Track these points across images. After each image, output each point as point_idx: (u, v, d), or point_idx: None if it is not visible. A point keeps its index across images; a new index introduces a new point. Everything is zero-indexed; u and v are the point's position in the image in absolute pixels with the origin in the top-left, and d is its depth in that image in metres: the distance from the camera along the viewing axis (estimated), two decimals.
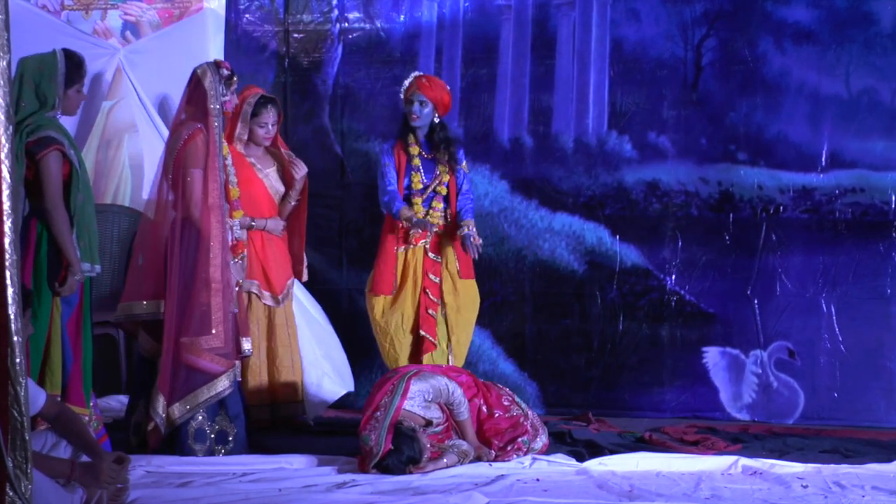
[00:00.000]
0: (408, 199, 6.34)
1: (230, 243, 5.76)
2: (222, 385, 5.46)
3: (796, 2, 6.93)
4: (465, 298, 6.39)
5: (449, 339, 6.36)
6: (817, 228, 6.88)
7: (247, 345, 5.77)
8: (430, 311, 6.33)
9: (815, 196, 6.88)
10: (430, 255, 6.34)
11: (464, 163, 6.46)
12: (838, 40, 6.87)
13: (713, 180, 7.01)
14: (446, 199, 6.37)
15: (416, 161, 6.36)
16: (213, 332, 5.43)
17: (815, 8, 6.90)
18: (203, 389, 5.43)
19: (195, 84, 5.63)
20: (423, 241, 6.31)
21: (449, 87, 6.50)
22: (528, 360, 7.13)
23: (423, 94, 6.29)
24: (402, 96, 6.38)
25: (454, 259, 6.35)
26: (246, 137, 6.33)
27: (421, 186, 6.34)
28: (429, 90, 6.30)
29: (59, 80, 5.15)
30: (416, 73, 6.41)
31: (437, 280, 6.33)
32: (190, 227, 5.50)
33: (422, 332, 6.31)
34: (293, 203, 6.44)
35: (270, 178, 6.39)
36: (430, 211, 6.32)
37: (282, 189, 6.41)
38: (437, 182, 6.35)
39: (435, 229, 6.29)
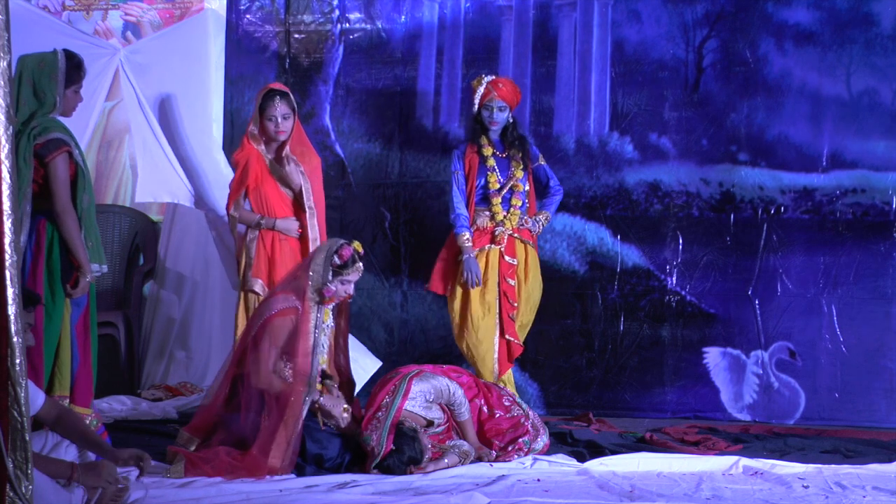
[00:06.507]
0: (486, 200, 6.31)
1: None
2: None
3: (797, 3, 6.93)
4: (529, 308, 6.41)
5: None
6: (818, 229, 6.88)
7: None
8: (511, 316, 6.31)
9: (816, 196, 6.88)
10: (507, 258, 6.31)
11: (540, 157, 6.46)
12: (839, 41, 6.88)
13: (714, 181, 7.01)
14: (527, 195, 6.36)
15: (491, 161, 6.31)
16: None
17: (816, 9, 6.90)
18: None
19: (310, 257, 5.40)
20: (500, 245, 6.30)
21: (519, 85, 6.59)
22: (528, 361, 7.12)
23: (501, 99, 6.28)
24: (475, 102, 6.32)
25: (524, 262, 6.35)
26: (257, 132, 6.13)
27: (498, 186, 6.29)
28: (506, 94, 6.29)
29: (59, 79, 5.13)
30: (488, 79, 6.33)
31: (514, 283, 6.31)
32: (253, 392, 5.25)
33: (507, 337, 6.31)
34: (308, 206, 6.16)
35: (283, 178, 6.16)
36: (511, 209, 6.30)
37: (295, 189, 6.17)
38: (513, 179, 6.32)
39: (507, 234, 6.30)
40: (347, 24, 7.49)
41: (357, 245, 5.33)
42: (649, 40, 7.11)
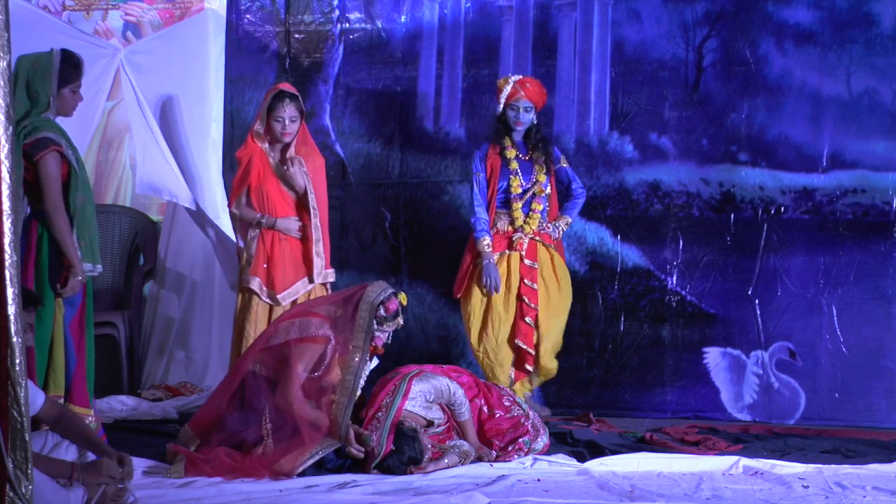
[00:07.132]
0: (507, 203, 6.28)
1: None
2: None
3: (797, 3, 6.93)
4: (557, 307, 6.37)
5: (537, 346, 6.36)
6: (818, 229, 6.88)
7: None
8: (526, 320, 6.28)
9: (817, 197, 6.88)
10: (527, 261, 6.27)
11: (563, 158, 6.44)
12: (839, 41, 6.87)
13: (714, 181, 7.01)
14: (548, 199, 6.31)
15: (514, 164, 6.27)
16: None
17: (816, 9, 6.90)
18: None
19: (357, 298, 5.29)
20: (519, 250, 6.25)
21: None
22: None
23: (529, 100, 6.24)
24: (501, 102, 6.30)
25: (550, 263, 6.32)
26: (262, 131, 6.13)
27: (520, 190, 6.26)
28: (534, 94, 6.26)
29: (52, 79, 5.11)
30: (515, 78, 6.32)
31: (535, 286, 6.27)
32: (257, 394, 5.24)
33: (517, 342, 6.30)
34: (312, 206, 6.15)
35: (286, 178, 6.13)
36: (531, 213, 6.26)
37: (299, 190, 6.14)
38: (536, 184, 6.28)
39: (527, 239, 6.27)
40: (347, 24, 7.49)
41: (402, 297, 5.32)
42: (649, 40, 7.11)
